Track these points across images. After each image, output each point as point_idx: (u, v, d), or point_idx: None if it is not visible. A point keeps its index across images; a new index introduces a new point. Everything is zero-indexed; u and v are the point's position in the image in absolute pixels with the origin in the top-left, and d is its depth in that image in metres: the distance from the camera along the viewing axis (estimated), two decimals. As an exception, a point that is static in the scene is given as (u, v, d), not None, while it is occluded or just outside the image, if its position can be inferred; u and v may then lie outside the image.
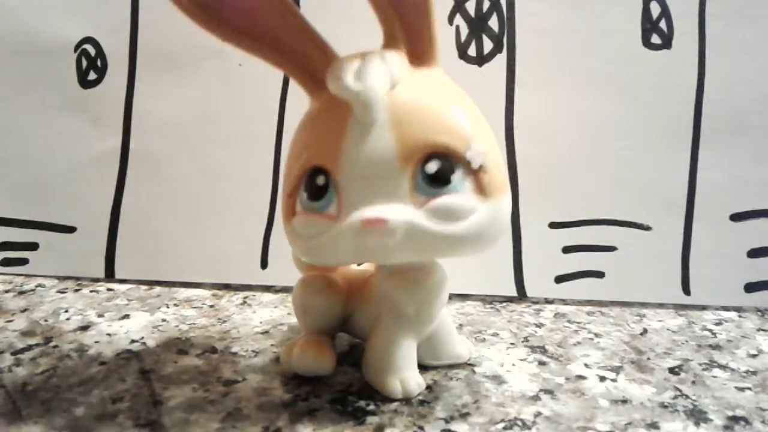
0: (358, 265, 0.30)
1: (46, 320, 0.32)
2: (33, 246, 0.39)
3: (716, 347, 0.29)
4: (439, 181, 0.21)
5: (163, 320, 0.32)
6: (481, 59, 0.36)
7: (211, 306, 0.34)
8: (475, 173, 0.21)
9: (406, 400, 0.24)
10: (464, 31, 0.36)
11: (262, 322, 0.32)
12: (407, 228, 0.21)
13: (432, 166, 0.21)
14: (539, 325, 0.32)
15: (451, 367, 0.27)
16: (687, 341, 0.30)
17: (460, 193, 0.21)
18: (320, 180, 0.22)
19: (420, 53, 0.22)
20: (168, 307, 0.34)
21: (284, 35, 0.23)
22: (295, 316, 0.28)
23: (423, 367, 0.26)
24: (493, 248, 0.23)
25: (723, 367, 0.27)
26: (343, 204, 0.21)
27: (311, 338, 0.26)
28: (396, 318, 0.24)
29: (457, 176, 0.21)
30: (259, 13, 0.23)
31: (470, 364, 0.27)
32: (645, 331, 0.31)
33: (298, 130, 0.24)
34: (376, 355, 0.25)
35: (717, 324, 0.32)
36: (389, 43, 0.23)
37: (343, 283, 0.27)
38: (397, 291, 0.24)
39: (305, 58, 0.23)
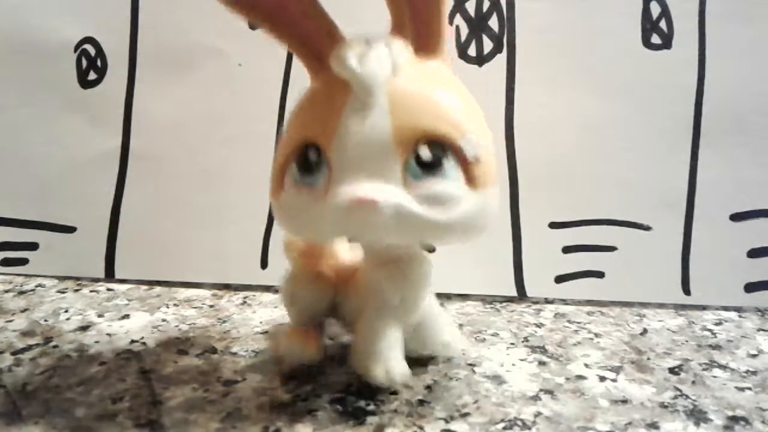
0: (349, 240, 0.30)
1: (46, 320, 0.32)
2: (33, 246, 0.39)
3: (716, 347, 0.29)
4: (432, 167, 0.21)
5: (163, 320, 0.32)
6: (481, 59, 0.36)
7: (211, 306, 0.34)
8: (468, 163, 0.21)
9: (406, 400, 0.24)
10: (464, 31, 0.36)
11: (262, 322, 0.32)
12: (396, 210, 0.21)
13: (425, 152, 0.21)
14: (539, 325, 0.32)
15: (451, 367, 0.27)
16: (687, 341, 0.30)
17: (451, 181, 0.21)
18: (312, 155, 0.22)
19: (425, 44, 0.22)
20: (168, 307, 0.34)
21: (293, 10, 0.22)
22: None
23: (421, 365, 0.26)
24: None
25: (723, 367, 0.27)
26: (333, 180, 0.21)
27: (298, 327, 0.26)
28: (381, 307, 0.24)
29: (450, 164, 0.21)
30: None
31: (470, 364, 0.27)
32: (645, 331, 0.31)
33: (296, 107, 0.23)
34: (362, 343, 0.25)
35: (717, 324, 0.32)
36: (396, 30, 0.23)
37: (331, 276, 0.27)
38: (383, 281, 0.24)
39: (312, 36, 0.23)
